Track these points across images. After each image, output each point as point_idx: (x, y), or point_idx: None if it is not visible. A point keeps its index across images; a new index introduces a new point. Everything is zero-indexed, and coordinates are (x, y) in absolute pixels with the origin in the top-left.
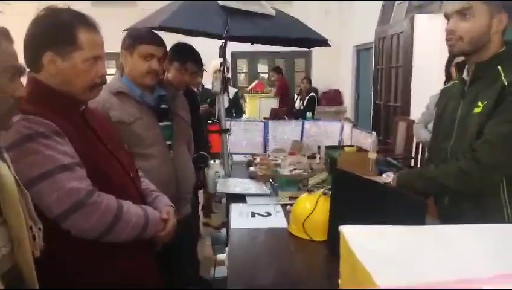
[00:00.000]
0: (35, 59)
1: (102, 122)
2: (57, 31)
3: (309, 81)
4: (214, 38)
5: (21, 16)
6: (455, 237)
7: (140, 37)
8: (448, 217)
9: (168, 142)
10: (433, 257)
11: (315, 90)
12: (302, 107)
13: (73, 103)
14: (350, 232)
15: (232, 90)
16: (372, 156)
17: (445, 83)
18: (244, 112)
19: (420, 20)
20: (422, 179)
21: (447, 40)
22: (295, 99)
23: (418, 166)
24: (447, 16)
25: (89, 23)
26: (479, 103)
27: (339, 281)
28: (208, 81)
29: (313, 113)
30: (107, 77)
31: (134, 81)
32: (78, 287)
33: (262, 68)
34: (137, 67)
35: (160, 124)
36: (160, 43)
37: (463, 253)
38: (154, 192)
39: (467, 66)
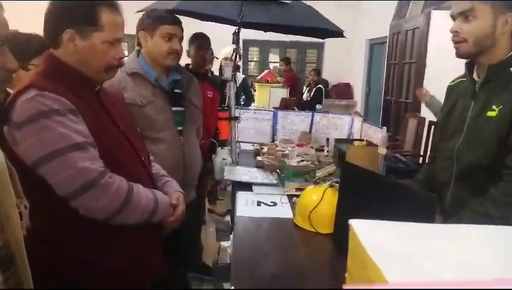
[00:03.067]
0: (55, 35)
1: (116, 104)
2: (79, 9)
3: (317, 73)
4: (228, 24)
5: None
6: (466, 237)
7: (161, 18)
8: (450, 214)
9: (179, 128)
10: (444, 256)
11: (325, 82)
12: (308, 99)
13: (88, 82)
14: (360, 227)
15: (240, 77)
16: (382, 151)
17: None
18: (253, 100)
19: (437, 16)
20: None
21: (453, 41)
22: (303, 91)
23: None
24: (453, 18)
25: (112, 4)
26: (494, 106)
27: (346, 275)
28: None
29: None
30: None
31: (153, 63)
32: (79, 266)
33: (274, 58)
34: (158, 48)
35: (173, 108)
36: (180, 23)
37: (473, 253)
38: (164, 177)
39: (476, 66)
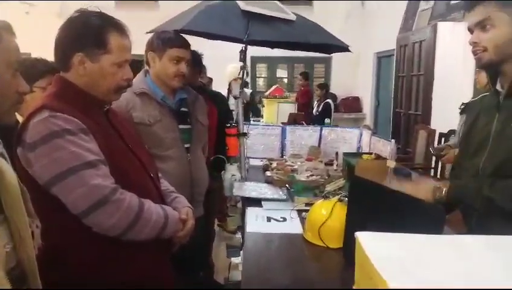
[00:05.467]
0: (66, 58)
1: (124, 123)
2: (88, 34)
3: (322, 87)
4: (235, 42)
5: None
6: (473, 248)
7: (170, 41)
8: (478, 230)
9: (186, 145)
10: (450, 266)
11: (333, 96)
12: (317, 114)
13: (97, 102)
14: (366, 239)
15: (247, 92)
16: (391, 164)
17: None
18: (261, 115)
19: (443, 27)
20: (479, 197)
21: (473, 53)
22: (314, 105)
23: (438, 176)
24: (471, 30)
25: (119, 28)
26: None
27: (354, 287)
28: (218, 84)
29: (330, 120)
30: None
31: (160, 82)
32: (92, 283)
33: (282, 73)
34: (166, 70)
35: (180, 126)
36: (188, 46)
37: (480, 264)
38: (173, 193)
39: (499, 77)
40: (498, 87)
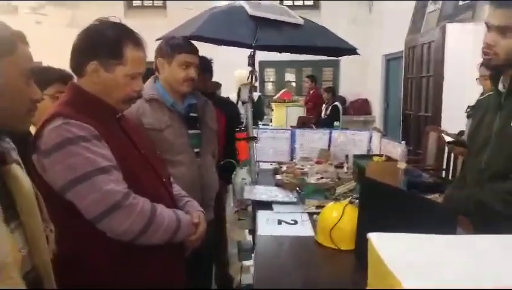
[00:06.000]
0: (81, 65)
1: (136, 129)
2: (105, 44)
3: (329, 90)
4: (243, 47)
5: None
6: (485, 247)
7: (179, 46)
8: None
9: (196, 150)
10: (464, 266)
11: (342, 99)
12: (325, 117)
13: (110, 109)
14: (379, 240)
15: (256, 95)
16: (402, 165)
17: (481, 94)
18: (264, 115)
19: (452, 28)
20: (470, 202)
21: (484, 53)
22: (323, 108)
23: (450, 178)
24: (488, 27)
25: (136, 40)
26: None
27: (367, 288)
28: (226, 90)
29: (339, 122)
30: None
31: (169, 88)
32: (106, 287)
33: (290, 77)
34: (175, 76)
35: (189, 131)
36: (197, 52)
37: (494, 264)
38: (185, 197)
39: (502, 77)
40: (500, 87)
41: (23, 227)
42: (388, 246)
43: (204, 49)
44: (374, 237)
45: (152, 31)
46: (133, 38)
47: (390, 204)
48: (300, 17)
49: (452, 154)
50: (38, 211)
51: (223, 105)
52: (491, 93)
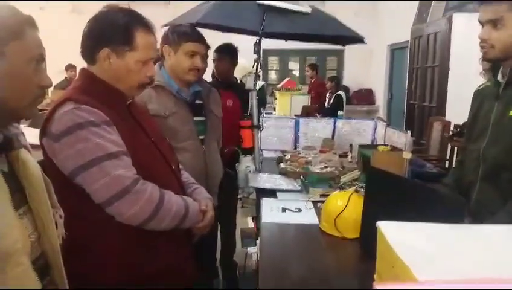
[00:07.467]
0: (92, 52)
1: (146, 116)
2: (116, 30)
3: (332, 79)
4: (249, 34)
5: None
6: (493, 236)
7: (185, 34)
8: (475, 214)
9: (201, 137)
10: (473, 255)
11: (346, 88)
12: (329, 106)
13: (121, 96)
14: (388, 228)
15: (260, 84)
16: (407, 155)
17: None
18: (265, 104)
19: (458, 19)
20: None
21: (481, 47)
22: (326, 97)
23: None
24: (481, 23)
25: (146, 26)
26: None
27: (375, 276)
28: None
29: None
30: None
31: (174, 76)
32: (115, 272)
33: (294, 66)
34: (181, 64)
35: (195, 118)
36: (204, 41)
37: (503, 253)
38: (193, 184)
39: (501, 68)
40: (499, 77)
41: (32, 213)
42: (397, 235)
43: (206, 37)
44: (383, 226)
45: (156, 20)
46: (143, 24)
47: (396, 193)
48: (308, 5)
49: (455, 147)
50: (47, 197)
51: (238, 92)
52: (489, 83)
